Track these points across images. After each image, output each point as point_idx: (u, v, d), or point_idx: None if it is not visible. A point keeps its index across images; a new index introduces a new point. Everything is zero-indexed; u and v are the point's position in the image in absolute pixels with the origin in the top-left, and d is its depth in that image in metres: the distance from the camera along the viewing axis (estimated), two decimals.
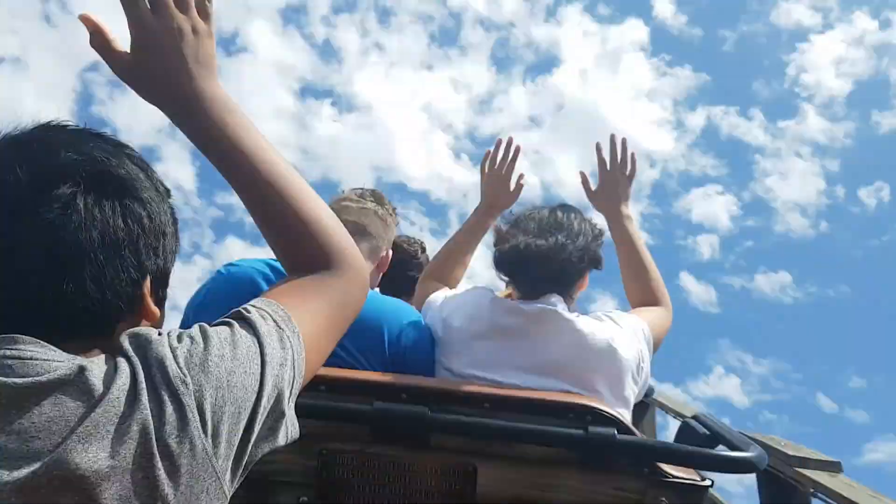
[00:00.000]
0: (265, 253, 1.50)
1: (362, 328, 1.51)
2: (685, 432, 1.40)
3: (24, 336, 0.64)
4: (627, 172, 1.90)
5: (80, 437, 0.59)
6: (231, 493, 0.70)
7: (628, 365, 1.47)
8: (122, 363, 0.65)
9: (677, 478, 1.26)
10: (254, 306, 0.78)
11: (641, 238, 1.84)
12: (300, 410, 1.28)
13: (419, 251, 2.51)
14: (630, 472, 1.27)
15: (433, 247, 2.44)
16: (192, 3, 0.86)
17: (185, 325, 1.02)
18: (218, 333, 0.71)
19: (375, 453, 1.32)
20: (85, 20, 0.83)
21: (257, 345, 0.72)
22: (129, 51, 0.84)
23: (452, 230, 2.01)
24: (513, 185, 1.92)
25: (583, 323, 1.48)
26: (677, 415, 3.52)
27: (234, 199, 0.92)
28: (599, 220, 1.77)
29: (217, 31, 0.88)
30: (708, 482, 1.27)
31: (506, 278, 1.59)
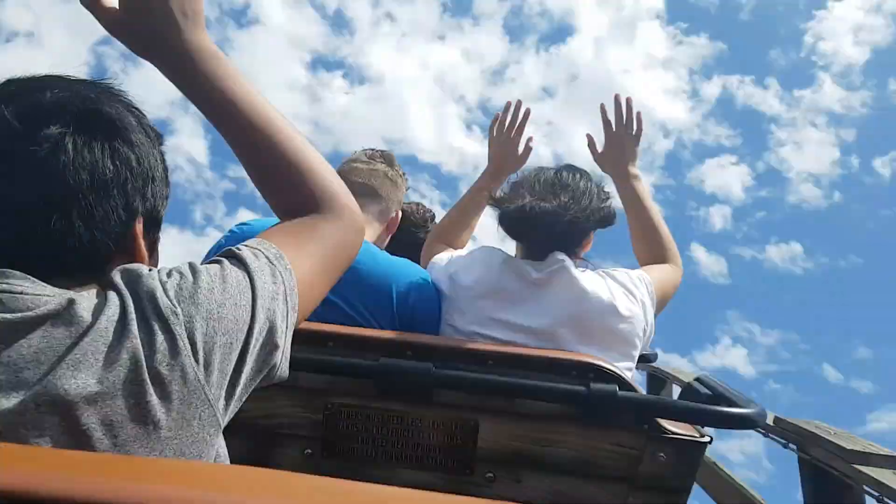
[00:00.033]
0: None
1: (371, 286, 1.53)
2: (688, 393, 1.41)
3: (14, 271, 0.65)
4: (633, 132, 1.88)
5: (69, 365, 0.60)
6: (225, 423, 0.71)
7: (631, 323, 1.48)
8: (112, 295, 0.66)
9: (677, 434, 1.27)
10: (246, 245, 0.79)
11: (650, 197, 1.83)
12: (308, 365, 1.32)
13: (429, 219, 2.52)
14: (630, 429, 1.29)
15: None
16: None
17: None
18: (208, 269, 0.72)
19: (380, 408, 1.35)
20: None
21: (248, 279, 0.73)
22: (117, 7, 0.85)
23: None
24: (521, 150, 1.91)
25: (588, 281, 1.49)
26: (680, 382, 3.52)
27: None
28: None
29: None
30: (707, 438, 1.28)
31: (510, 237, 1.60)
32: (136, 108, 0.80)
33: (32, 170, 0.68)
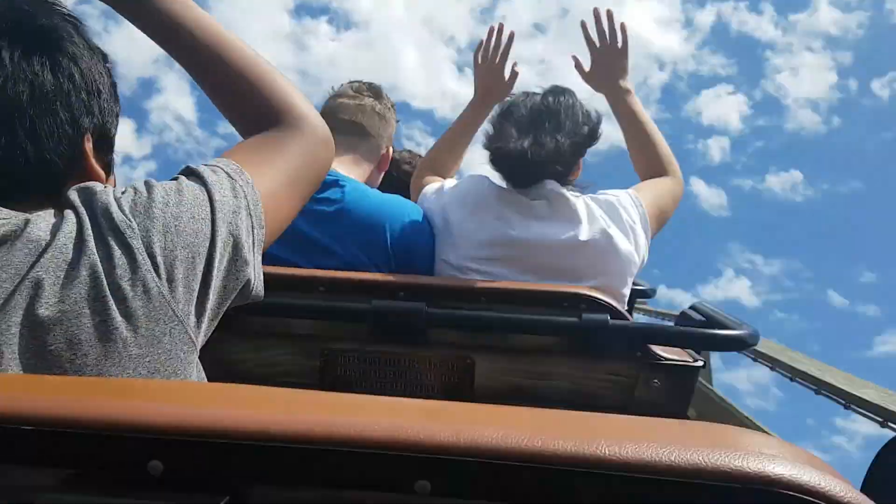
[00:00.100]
0: None
1: (363, 224, 1.52)
2: (684, 321, 1.42)
3: None
4: (619, 45, 1.82)
5: (30, 284, 0.60)
6: (201, 342, 0.71)
7: (623, 252, 1.48)
8: (69, 213, 0.65)
9: (669, 359, 1.28)
10: (204, 163, 0.78)
11: (644, 111, 1.80)
12: (301, 311, 1.33)
13: None
14: (623, 357, 1.30)
15: None
16: None
17: None
18: (163, 184, 0.71)
19: (376, 350, 1.35)
20: None
21: (205, 192, 0.72)
22: None
23: None
24: (507, 75, 1.86)
25: (580, 210, 1.49)
26: (671, 318, 3.59)
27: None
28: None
29: None
30: (700, 362, 1.29)
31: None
32: (75, 20, 0.77)
33: None
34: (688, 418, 1.34)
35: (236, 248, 0.73)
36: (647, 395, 1.29)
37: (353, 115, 1.71)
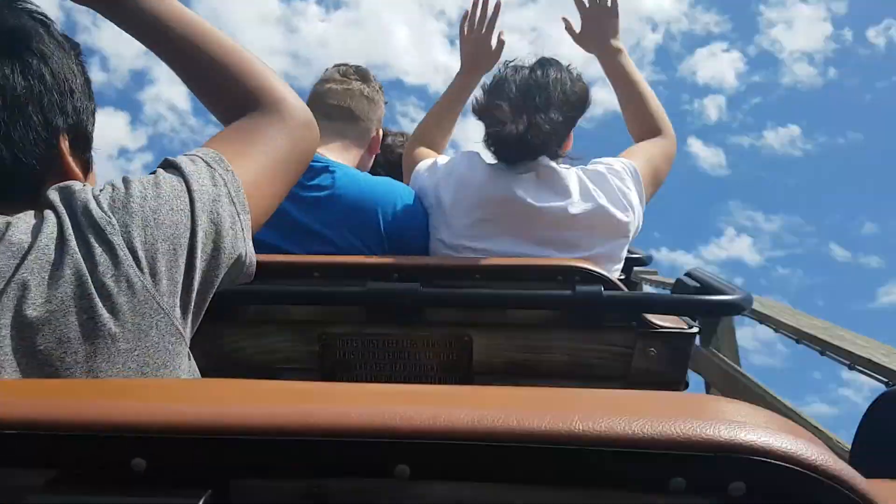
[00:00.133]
0: None
1: (355, 209, 1.52)
2: (679, 288, 1.42)
3: None
4: (608, 3, 1.81)
5: (17, 286, 0.60)
6: (190, 333, 0.71)
7: (618, 224, 1.48)
8: (49, 214, 0.66)
9: (665, 327, 1.29)
10: (184, 154, 0.78)
11: (636, 70, 1.79)
12: (296, 297, 1.33)
13: None
14: (619, 328, 1.30)
15: None
16: None
17: None
18: (140, 179, 0.71)
19: (373, 333, 1.36)
20: None
21: (183, 183, 0.72)
22: None
23: None
24: (494, 45, 1.84)
25: (573, 184, 1.49)
26: (654, 283, 3.61)
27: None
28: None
29: None
30: (695, 329, 1.30)
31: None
32: (44, 17, 0.77)
33: None
34: (686, 384, 1.35)
35: (218, 235, 0.73)
36: (645, 364, 1.30)
37: (342, 99, 1.70)
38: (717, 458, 0.38)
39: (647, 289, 3.78)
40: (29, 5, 0.76)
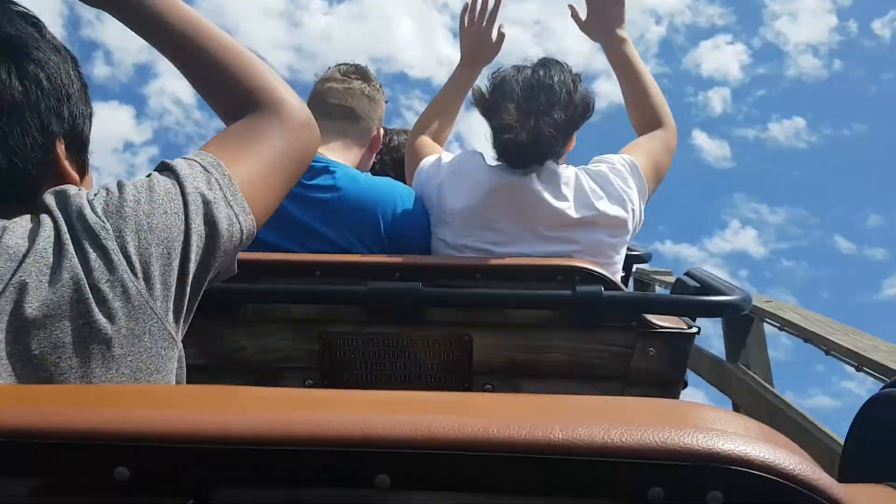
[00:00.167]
0: None
1: (355, 209, 1.52)
2: (679, 288, 1.42)
3: None
4: None
5: (14, 290, 0.61)
6: (181, 335, 0.72)
7: (614, 222, 1.48)
8: (45, 218, 0.66)
9: (664, 327, 1.29)
10: (182, 157, 0.78)
11: (640, 60, 1.78)
12: (298, 296, 1.34)
13: None
14: (619, 328, 1.30)
15: None
16: None
17: None
18: (134, 182, 0.72)
19: (374, 332, 1.36)
20: None
21: (177, 186, 0.72)
22: None
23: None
24: (494, 37, 1.84)
25: (571, 184, 1.49)
26: (667, 285, 3.56)
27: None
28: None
29: None
30: (695, 329, 1.30)
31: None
32: (39, 22, 0.77)
33: None
34: (685, 385, 1.35)
35: (212, 238, 0.73)
36: (644, 364, 1.30)
37: (343, 98, 1.70)
38: (695, 468, 0.38)
39: (660, 291, 3.70)
40: (24, 10, 0.77)
